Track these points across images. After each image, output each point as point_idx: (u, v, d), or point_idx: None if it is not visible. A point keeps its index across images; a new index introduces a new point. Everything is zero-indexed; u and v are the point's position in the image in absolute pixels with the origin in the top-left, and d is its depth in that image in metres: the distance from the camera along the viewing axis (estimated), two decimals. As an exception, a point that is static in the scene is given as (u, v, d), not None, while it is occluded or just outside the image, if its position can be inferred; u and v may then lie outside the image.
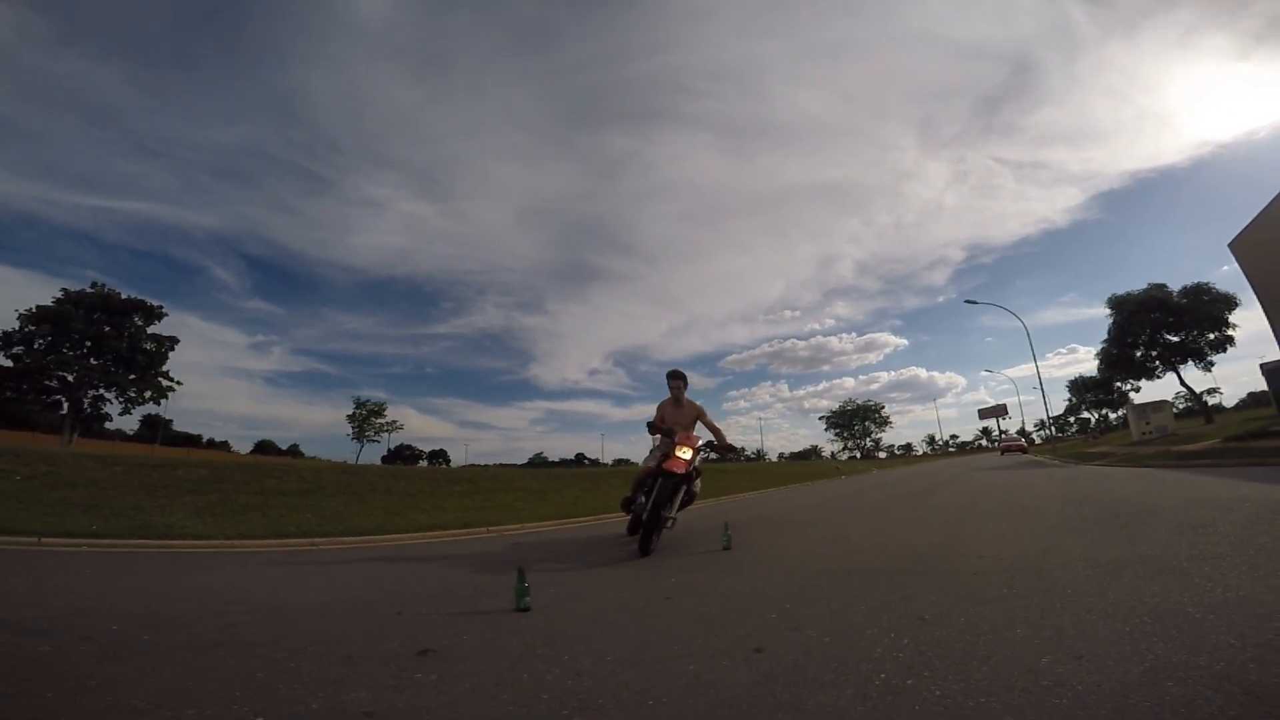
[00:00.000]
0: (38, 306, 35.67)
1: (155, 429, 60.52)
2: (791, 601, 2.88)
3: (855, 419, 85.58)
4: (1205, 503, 5.37)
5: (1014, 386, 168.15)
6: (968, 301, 37.97)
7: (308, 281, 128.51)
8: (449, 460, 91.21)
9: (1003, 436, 55.39)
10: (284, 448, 79.84)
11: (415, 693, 1.82)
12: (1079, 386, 60.11)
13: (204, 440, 70.55)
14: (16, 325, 35.42)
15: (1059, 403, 72.35)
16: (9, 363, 35.83)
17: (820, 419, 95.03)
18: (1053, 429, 56.20)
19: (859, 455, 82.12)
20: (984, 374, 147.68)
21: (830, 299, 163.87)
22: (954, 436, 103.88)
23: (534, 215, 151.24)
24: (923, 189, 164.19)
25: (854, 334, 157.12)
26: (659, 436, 5.51)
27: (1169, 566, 3.00)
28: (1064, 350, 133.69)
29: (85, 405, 36.73)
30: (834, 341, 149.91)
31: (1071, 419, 70.17)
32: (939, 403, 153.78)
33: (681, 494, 5.09)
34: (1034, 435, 59.27)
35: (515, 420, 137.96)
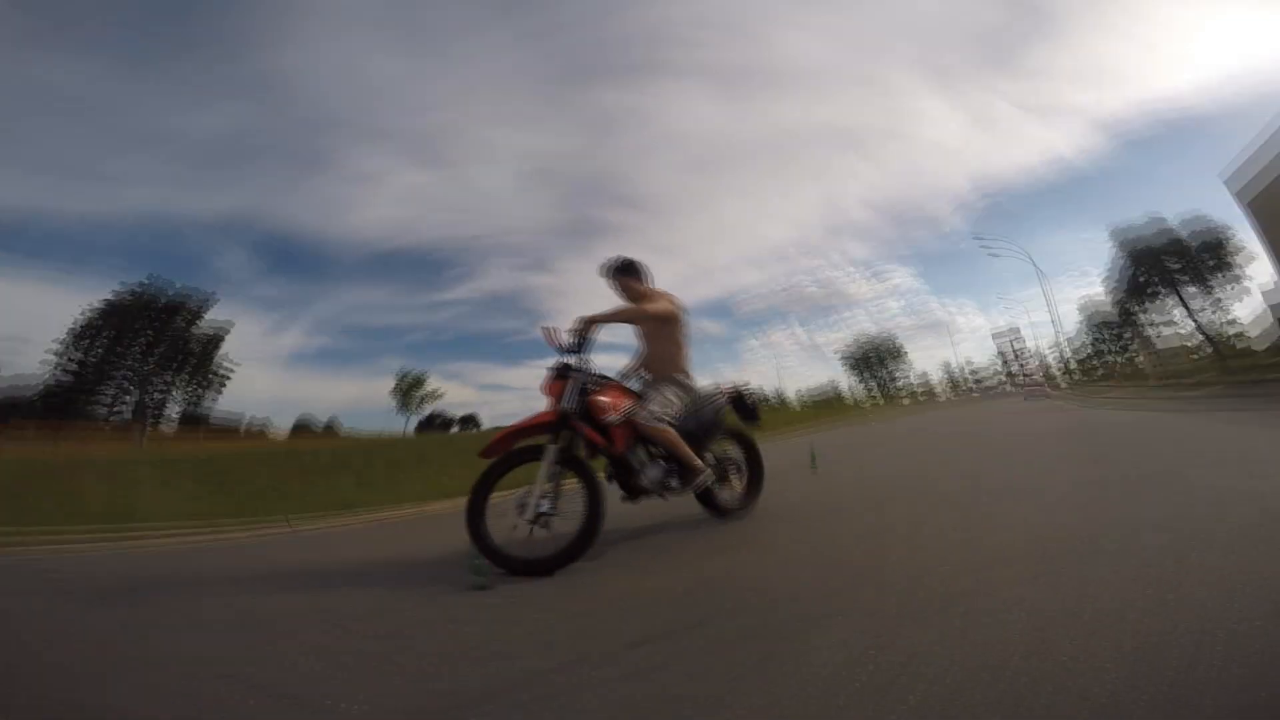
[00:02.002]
0: (92, 310, 38.04)
1: (197, 420, 63.95)
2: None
3: (874, 357, 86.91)
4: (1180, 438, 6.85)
5: (1026, 312, 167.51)
6: (975, 238, 38.55)
7: (315, 259, 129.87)
8: (480, 424, 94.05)
9: (1025, 380, 56.61)
10: (319, 426, 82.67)
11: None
12: (1095, 324, 60.78)
13: (243, 427, 73.56)
14: (74, 331, 37.78)
15: (1072, 328, 72.77)
16: (74, 365, 38.53)
17: (835, 353, 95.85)
18: (1073, 369, 57.32)
19: (881, 397, 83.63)
20: (999, 301, 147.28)
21: (839, 238, 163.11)
22: (972, 369, 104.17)
23: (534, 176, 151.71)
24: (928, 128, 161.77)
25: (866, 270, 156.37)
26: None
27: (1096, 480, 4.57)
28: (1076, 273, 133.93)
29: (149, 401, 39.45)
30: (845, 279, 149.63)
31: (1092, 357, 70.76)
32: (957, 335, 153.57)
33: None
34: (1053, 372, 60.17)
35: (532, 380, 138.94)
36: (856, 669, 1.45)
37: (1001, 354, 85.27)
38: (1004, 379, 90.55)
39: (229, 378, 40.89)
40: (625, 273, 3.84)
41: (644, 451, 3.53)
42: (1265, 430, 5.95)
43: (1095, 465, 4.95)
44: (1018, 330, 54.93)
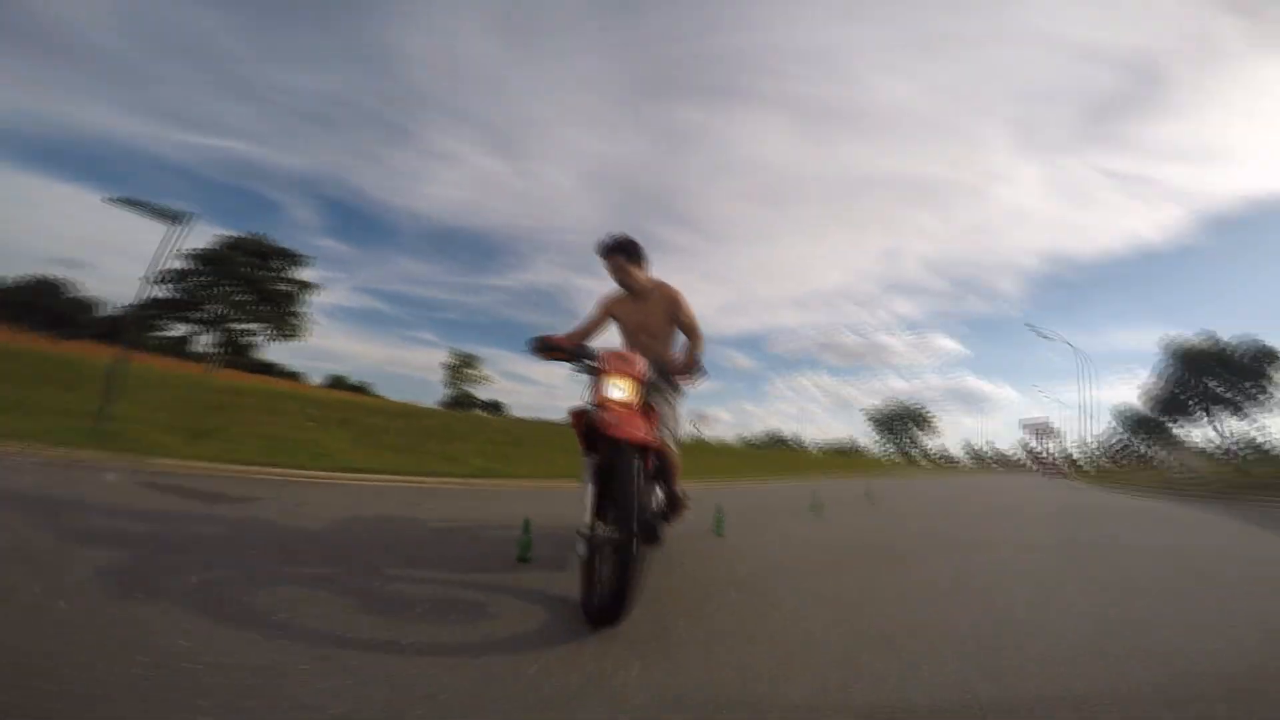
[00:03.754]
0: (202, 248, 41.73)
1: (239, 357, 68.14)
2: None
3: (899, 420, 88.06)
4: (1144, 514, 8.93)
5: (1061, 406, 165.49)
6: (1028, 326, 40.00)
7: (379, 225, 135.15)
8: (502, 411, 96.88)
9: (1046, 457, 57.88)
10: (345, 383, 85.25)
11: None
12: (1125, 417, 62.04)
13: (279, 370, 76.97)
14: (182, 263, 41.49)
15: (1103, 426, 73.89)
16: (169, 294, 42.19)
17: (862, 411, 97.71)
18: (1097, 455, 58.59)
19: (898, 457, 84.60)
20: (1036, 390, 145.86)
21: (891, 294, 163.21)
22: (992, 444, 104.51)
23: (599, 180, 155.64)
24: (1010, 191, 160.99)
25: (910, 333, 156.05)
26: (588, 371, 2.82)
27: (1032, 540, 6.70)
28: (1127, 374, 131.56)
29: (228, 336, 43.06)
30: (888, 338, 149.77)
31: (1121, 447, 71.45)
32: (987, 414, 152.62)
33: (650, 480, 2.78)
34: (1076, 459, 61.41)
35: (554, 377, 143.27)
36: (945, 572, 3.73)
37: (1025, 443, 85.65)
38: (1026, 457, 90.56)
39: (305, 330, 44.04)
40: (627, 254, 3.23)
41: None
42: (1220, 517, 8.30)
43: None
44: (1049, 423, 56.54)
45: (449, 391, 63.31)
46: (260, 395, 15.89)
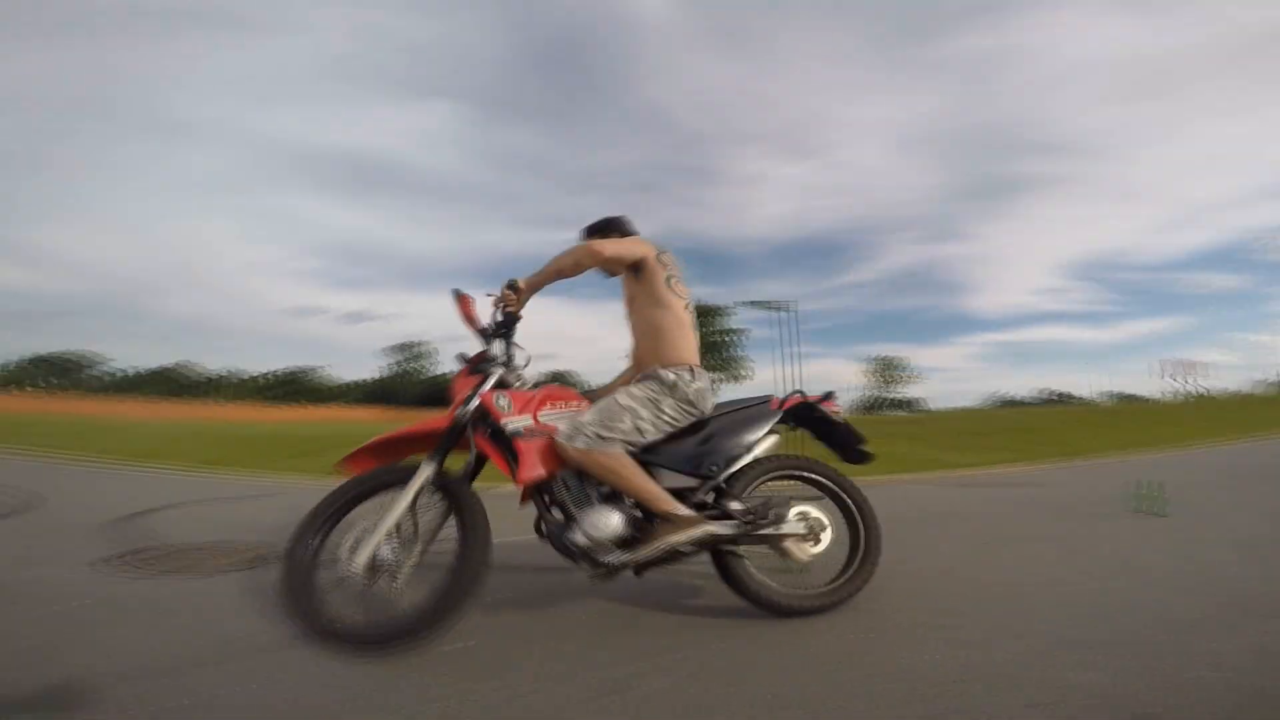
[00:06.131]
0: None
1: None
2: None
3: None
4: None
5: None
6: None
7: (729, 260, 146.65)
8: (916, 406, 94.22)
9: None
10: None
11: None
12: None
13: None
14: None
15: None
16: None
17: None
18: None
19: None
20: None
21: None
22: None
23: (912, 143, 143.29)
24: None
25: None
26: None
27: None
28: None
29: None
30: None
31: None
32: None
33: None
34: None
35: (953, 359, 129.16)
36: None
37: None
38: None
39: (749, 370, 54.23)
40: (602, 234, 2.46)
41: (590, 490, 2.08)
42: None
43: None
44: None
45: (871, 395, 66.97)
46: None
